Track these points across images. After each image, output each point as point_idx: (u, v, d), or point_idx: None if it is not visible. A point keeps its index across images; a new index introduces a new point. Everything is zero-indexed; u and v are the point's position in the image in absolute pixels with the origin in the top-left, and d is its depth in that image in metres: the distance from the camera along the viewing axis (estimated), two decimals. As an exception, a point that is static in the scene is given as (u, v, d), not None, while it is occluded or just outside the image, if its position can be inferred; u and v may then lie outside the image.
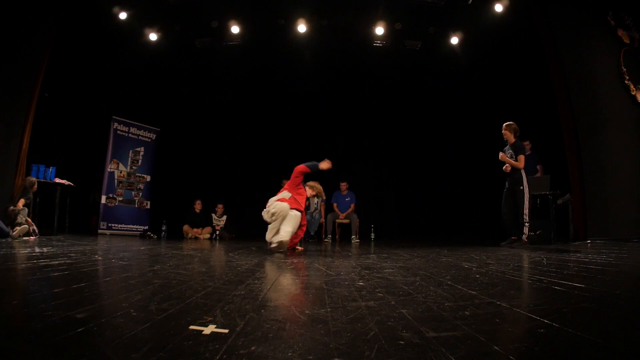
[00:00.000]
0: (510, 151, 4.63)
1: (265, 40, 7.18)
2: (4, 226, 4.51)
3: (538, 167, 5.74)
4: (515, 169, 4.50)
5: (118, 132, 7.07)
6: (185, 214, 6.96)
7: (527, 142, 5.78)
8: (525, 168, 4.81)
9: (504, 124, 4.73)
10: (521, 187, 4.44)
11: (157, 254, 3.20)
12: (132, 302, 1.26)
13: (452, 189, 8.19)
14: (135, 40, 6.71)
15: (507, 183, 4.68)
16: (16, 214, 4.76)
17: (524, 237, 4.40)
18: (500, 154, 4.65)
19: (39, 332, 0.91)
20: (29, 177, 5.23)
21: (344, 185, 7.20)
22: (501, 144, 4.96)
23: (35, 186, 5.20)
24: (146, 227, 7.15)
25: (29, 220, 4.92)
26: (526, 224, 4.40)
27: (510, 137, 4.66)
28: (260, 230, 7.63)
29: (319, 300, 1.37)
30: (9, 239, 4.35)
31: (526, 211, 4.39)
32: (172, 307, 1.19)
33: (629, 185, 5.35)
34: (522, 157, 4.48)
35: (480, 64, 7.17)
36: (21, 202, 4.89)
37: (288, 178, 4.01)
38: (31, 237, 4.73)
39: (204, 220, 6.95)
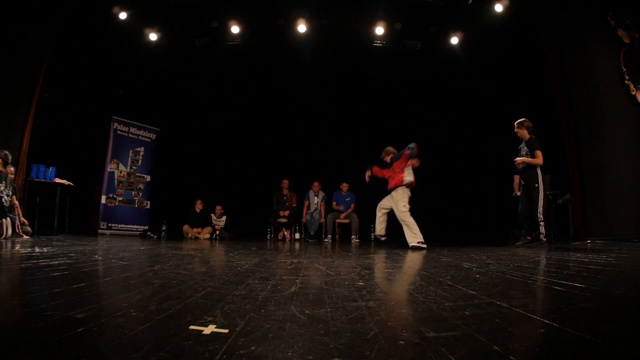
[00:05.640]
0: (526, 148, 4.37)
1: (265, 40, 7.18)
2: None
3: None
4: (530, 165, 4.25)
5: (118, 132, 7.07)
6: (186, 214, 6.96)
7: None
8: None
9: (516, 122, 4.49)
10: (536, 185, 4.19)
11: (157, 254, 3.20)
12: (132, 302, 1.26)
13: (452, 189, 8.18)
14: (135, 40, 6.71)
15: (521, 180, 4.44)
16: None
17: (542, 236, 4.17)
18: (516, 159, 4.43)
19: (39, 332, 0.91)
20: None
21: (344, 186, 7.20)
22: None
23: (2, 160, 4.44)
24: (146, 227, 7.15)
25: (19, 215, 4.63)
26: (541, 223, 4.16)
27: (524, 134, 4.43)
28: (260, 230, 7.70)
29: (319, 300, 1.37)
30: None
31: (540, 209, 4.15)
32: (172, 307, 1.19)
33: (629, 185, 5.35)
34: (539, 153, 4.20)
35: (480, 64, 7.17)
36: None
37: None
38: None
39: (204, 220, 6.95)
